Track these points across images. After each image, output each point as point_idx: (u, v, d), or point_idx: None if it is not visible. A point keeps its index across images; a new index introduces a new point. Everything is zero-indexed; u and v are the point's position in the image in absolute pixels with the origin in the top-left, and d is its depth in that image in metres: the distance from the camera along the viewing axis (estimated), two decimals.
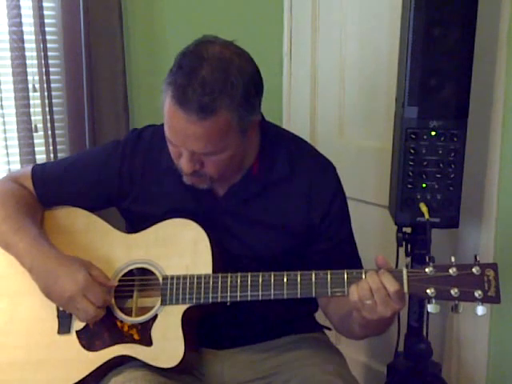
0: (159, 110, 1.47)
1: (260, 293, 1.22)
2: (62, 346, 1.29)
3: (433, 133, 1.58)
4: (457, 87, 1.54)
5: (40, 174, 1.43)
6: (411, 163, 1.60)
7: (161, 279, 1.27)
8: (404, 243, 1.71)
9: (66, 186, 1.41)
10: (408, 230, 1.71)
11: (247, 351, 1.39)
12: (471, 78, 1.54)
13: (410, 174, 1.61)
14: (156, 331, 1.25)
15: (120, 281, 1.31)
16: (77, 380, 1.26)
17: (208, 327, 1.32)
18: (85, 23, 2.05)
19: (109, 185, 1.39)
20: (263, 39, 2.30)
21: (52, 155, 2.12)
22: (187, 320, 1.25)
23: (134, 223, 1.40)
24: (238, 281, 1.23)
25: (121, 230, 1.38)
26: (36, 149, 2.09)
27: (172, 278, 1.27)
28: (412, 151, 1.59)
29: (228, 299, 1.23)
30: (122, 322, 1.28)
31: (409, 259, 1.71)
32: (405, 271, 1.15)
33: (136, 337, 1.26)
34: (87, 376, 1.26)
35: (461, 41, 1.51)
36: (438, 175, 1.60)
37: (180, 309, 1.25)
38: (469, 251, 1.87)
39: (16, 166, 2.09)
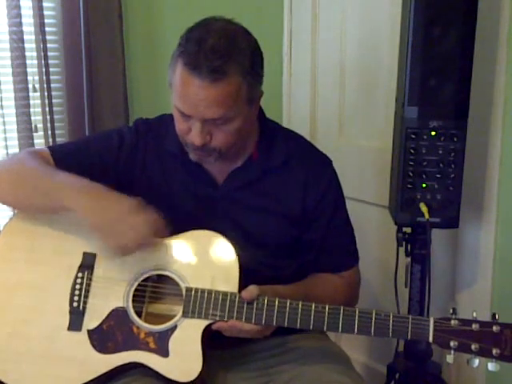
0: (159, 109, 1.48)
1: (286, 319, 1.19)
2: (71, 343, 1.24)
3: (433, 133, 1.58)
4: (457, 87, 1.54)
5: (59, 150, 1.42)
6: (411, 163, 1.60)
7: (184, 290, 1.23)
8: (404, 243, 1.71)
9: (83, 159, 1.39)
10: (408, 229, 1.71)
11: (250, 349, 1.39)
12: (471, 78, 1.54)
13: (410, 174, 1.61)
14: (174, 343, 1.21)
15: (140, 285, 1.27)
16: (83, 382, 1.22)
17: None
18: (85, 23, 2.05)
19: (121, 160, 1.39)
20: (263, 39, 2.29)
21: None
22: (207, 335, 1.22)
23: None
24: (265, 303, 1.20)
25: None
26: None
27: (196, 290, 1.23)
28: (412, 151, 1.59)
29: (253, 321, 1.19)
30: (138, 327, 1.23)
31: (409, 259, 1.71)
32: (431, 320, 1.16)
33: (152, 345, 1.21)
34: (94, 379, 1.22)
35: (461, 41, 1.51)
36: (438, 175, 1.60)
37: (201, 323, 1.21)
38: (469, 251, 1.87)
39: None
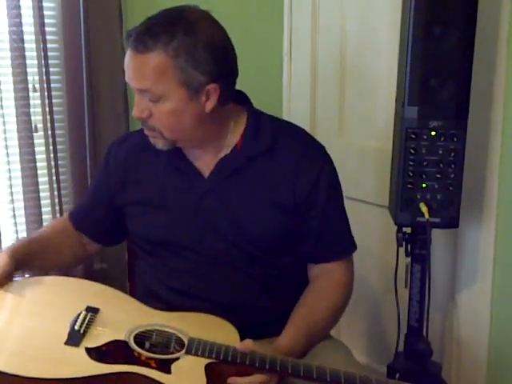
0: None
1: (290, 366, 1.17)
2: (67, 353, 1.20)
3: (433, 133, 1.58)
4: (457, 87, 1.54)
5: (74, 210, 1.61)
6: (411, 163, 1.60)
7: (186, 340, 1.23)
8: (404, 243, 1.71)
9: (93, 210, 1.54)
10: (408, 230, 1.71)
11: None
12: (471, 78, 1.54)
13: (410, 174, 1.61)
14: (176, 367, 1.19)
15: (143, 332, 1.26)
16: (79, 376, 1.15)
17: None
18: (85, 23, 2.06)
19: (110, 183, 1.48)
20: (263, 39, 2.30)
21: (52, 155, 2.13)
22: (211, 370, 1.20)
23: (134, 218, 1.44)
24: (267, 358, 1.18)
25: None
26: (36, 149, 2.10)
27: (200, 339, 1.22)
28: (412, 151, 1.59)
29: (257, 365, 1.17)
30: (139, 354, 1.21)
31: (409, 259, 1.72)
32: None
33: (153, 365, 1.19)
34: (92, 378, 1.16)
35: (461, 41, 1.51)
36: (438, 175, 1.60)
37: (204, 360, 1.20)
38: (469, 251, 1.87)
39: (16, 166, 2.10)
